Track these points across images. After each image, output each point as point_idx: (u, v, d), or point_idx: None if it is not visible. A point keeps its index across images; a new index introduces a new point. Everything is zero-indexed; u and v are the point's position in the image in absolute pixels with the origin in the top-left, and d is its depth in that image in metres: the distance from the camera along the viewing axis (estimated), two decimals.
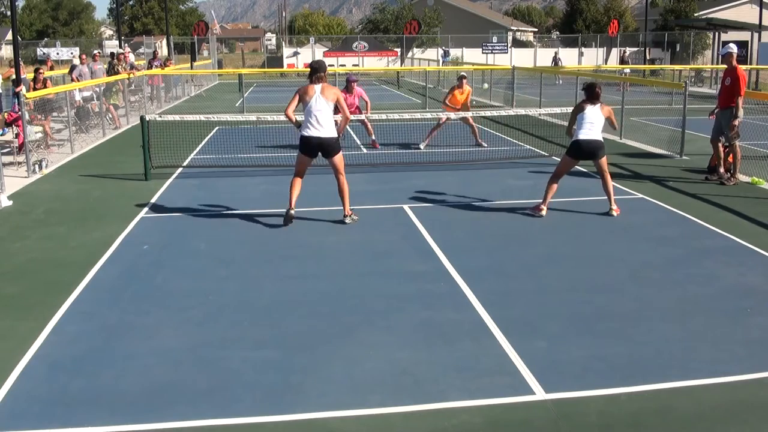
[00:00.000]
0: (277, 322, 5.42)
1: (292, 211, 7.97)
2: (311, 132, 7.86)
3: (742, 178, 10.63)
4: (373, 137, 14.02)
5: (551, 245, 7.43)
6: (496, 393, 4.32)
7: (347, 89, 13.33)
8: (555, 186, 8.55)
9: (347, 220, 8.18)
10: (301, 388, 4.39)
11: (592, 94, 8.49)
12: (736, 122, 10.25)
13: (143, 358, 4.81)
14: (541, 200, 8.60)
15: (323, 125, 7.84)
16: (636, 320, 5.43)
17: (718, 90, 11.44)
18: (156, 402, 4.24)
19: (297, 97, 7.98)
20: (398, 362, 4.73)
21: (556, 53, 39.98)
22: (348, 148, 13.76)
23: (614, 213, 8.54)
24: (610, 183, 8.66)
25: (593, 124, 8.39)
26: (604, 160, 8.49)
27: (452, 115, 13.50)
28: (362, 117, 13.64)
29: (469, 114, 13.59)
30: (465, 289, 6.07)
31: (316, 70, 7.96)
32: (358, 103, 13.69)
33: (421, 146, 13.66)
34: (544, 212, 8.49)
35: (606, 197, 8.65)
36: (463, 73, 14.16)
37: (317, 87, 7.91)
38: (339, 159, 8.02)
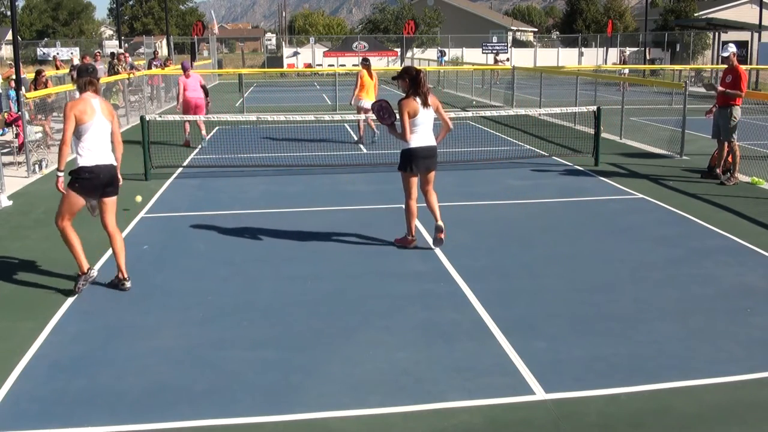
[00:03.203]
0: (276, 322, 5.42)
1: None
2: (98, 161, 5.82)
3: (742, 178, 10.63)
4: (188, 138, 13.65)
5: (551, 245, 7.43)
6: (496, 393, 4.32)
7: (186, 75, 13.34)
8: (414, 209, 7.13)
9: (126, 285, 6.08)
10: (301, 388, 4.39)
11: (416, 84, 6.74)
12: (737, 117, 10.29)
13: (143, 358, 4.81)
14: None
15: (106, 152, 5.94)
16: (636, 320, 5.43)
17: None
18: (156, 402, 4.24)
19: (72, 119, 5.70)
20: (398, 362, 4.73)
21: (497, 53, 40.90)
22: (348, 148, 13.81)
23: (442, 236, 7.07)
24: (435, 197, 7.25)
25: (428, 126, 6.89)
26: (434, 172, 7.16)
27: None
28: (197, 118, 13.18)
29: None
30: (465, 289, 6.07)
31: (85, 73, 5.87)
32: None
33: None
34: (415, 242, 7.25)
35: (432, 214, 7.23)
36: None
37: (95, 102, 5.86)
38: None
